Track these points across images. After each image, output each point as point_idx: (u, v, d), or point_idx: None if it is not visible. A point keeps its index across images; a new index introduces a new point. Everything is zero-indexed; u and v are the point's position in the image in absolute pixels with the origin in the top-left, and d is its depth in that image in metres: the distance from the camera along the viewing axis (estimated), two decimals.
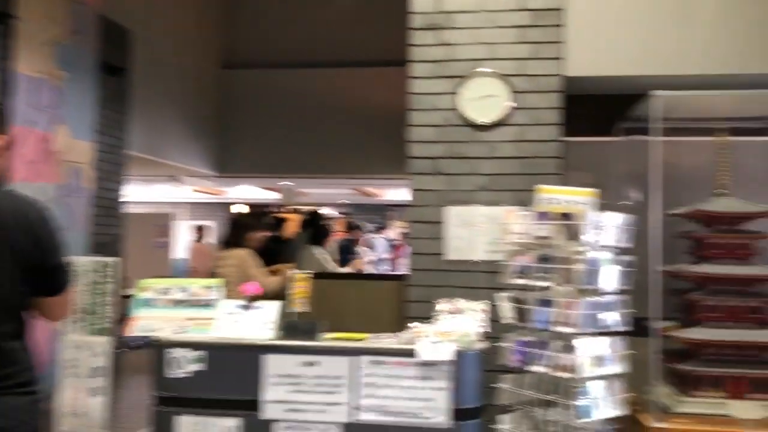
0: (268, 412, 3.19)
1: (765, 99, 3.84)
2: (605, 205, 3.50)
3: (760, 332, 3.50)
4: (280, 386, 3.20)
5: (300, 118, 9.62)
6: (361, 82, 9.47)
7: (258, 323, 3.34)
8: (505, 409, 3.37)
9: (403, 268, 10.92)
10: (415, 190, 4.07)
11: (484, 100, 4.00)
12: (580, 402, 3.08)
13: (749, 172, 4.21)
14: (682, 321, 3.72)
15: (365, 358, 3.18)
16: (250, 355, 3.23)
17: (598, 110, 4.30)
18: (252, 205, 14.80)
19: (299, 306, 3.48)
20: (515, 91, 3.97)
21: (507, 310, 3.36)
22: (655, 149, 3.45)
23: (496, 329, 3.43)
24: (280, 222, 7.62)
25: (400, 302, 4.19)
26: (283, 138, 9.63)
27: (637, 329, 3.44)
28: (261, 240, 5.25)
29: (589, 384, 3.14)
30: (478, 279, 3.89)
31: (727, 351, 3.52)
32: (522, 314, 3.29)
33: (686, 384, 3.54)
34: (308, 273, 3.63)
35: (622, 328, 3.27)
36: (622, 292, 3.29)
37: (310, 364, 3.20)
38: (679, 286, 3.80)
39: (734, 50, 3.83)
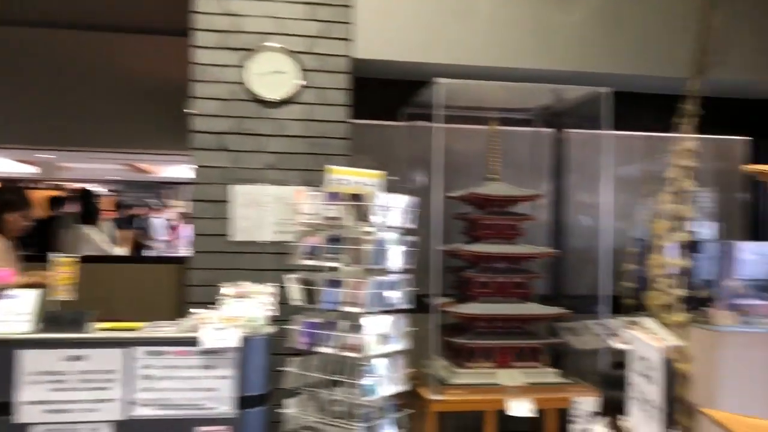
0: (23, 415, 2.80)
1: (534, 92, 4.20)
2: (391, 187, 3.58)
3: (524, 306, 3.84)
4: (40, 385, 2.82)
5: (64, 84, 8.61)
6: (135, 50, 8.73)
7: (11, 315, 2.91)
8: (292, 393, 3.31)
9: (182, 250, 10.41)
10: (198, 166, 3.82)
11: (273, 76, 3.86)
12: (366, 381, 3.13)
13: (517, 159, 4.59)
14: (458, 297, 3.95)
15: (141, 349, 2.92)
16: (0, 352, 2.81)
17: (386, 94, 4.39)
18: (3, 180, 13.09)
19: (63, 294, 3.09)
20: (304, 69, 3.89)
21: (295, 292, 3.29)
22: (437, 135, 3.59)
23: (284, 312, 3.35)
24: (54, 201, 6.78)
25: (180, 287, 3.93)
26: (42, 106, 8.55)
27: (418, 306, 3.58)
28: (23, 223, 4.10)
29: (374, 362, 3.20)
30: (265, 261, 3.77)
31: (497, 324, 3.81)
32: (311, 295, 3.25)
33: (461, 356, 3.76)
34: (74, 257, 3.23)
35: (405, 306, 3.38)
36: (405, 271, 3.40)
37: (76, 358, 2.86)
38: (456, 264, 4.03)
39: (511, 45, 4.11)
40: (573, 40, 4.14)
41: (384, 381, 3.22)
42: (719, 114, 4.47)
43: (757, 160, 4.96)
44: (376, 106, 4.39)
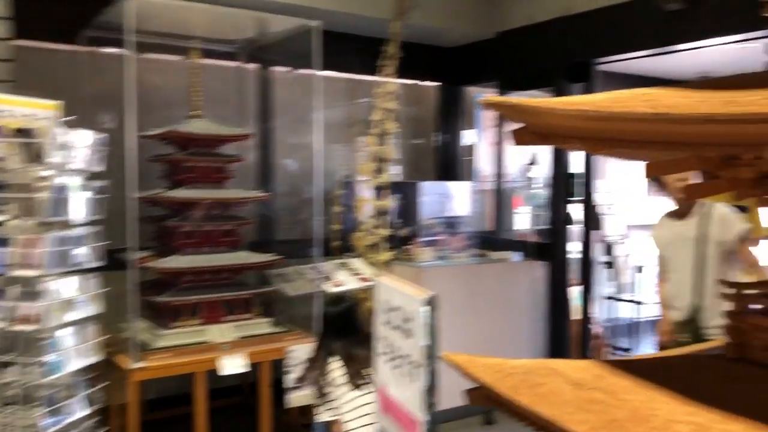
0: None
1: (239, 21, 3.83)
2: (71, 123, 2.96)
3: (234, 255, 3.56)
4: None
5: None
6: None
7: None
8: None
9: None
10: None
11: None
12: (48, 356, 2.60)
13: (222, 96, 4.20)
14: (160, 250, 3.52)
15: None
16: None
17: (61, 11, 3.65)
18: None
19: None
20: None
21: None
22: (128, 64, 3.06)
23: None
24: None
25: None
26: None
27: (112, 262, 3.08)
28: None
29: (57, 334, 2.67)
30: None
31: (205, 277, 3.48)
32: None
33: (165, 316, 3.37)
34: None
35: (95, 264, 2.88)
36: (93, 222, 2.88)
37: None
38: (156, 213, 3.58)
39: None
40: None
41: (71, 354, 2.74)
42: (414, 59, 4.61)
43: (444, 105, 5.29)
44: (49, 25, 3.63)
